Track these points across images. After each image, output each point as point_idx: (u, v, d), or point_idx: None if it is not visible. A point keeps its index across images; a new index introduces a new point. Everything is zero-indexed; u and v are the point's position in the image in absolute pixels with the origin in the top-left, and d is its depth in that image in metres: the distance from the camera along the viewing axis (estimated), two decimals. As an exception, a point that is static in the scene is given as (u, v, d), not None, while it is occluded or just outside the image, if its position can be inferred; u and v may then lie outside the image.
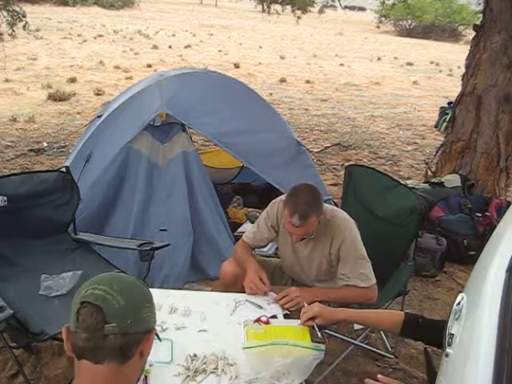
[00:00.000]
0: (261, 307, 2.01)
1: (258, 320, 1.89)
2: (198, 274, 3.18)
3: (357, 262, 2.12)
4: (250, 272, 2.14)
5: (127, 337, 1.03)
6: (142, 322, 1.06)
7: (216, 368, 1.62)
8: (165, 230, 3.08)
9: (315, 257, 2.22)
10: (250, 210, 3.91)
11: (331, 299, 2.20)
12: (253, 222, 3.69)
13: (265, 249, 2.86)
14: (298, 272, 2.34)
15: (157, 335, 1.19)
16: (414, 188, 3.82)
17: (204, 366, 1.62)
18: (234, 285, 2.26)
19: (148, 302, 1.10)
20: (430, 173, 4.87)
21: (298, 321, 1.93)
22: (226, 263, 2.36)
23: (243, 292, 2.14)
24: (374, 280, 2.13)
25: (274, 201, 2.33)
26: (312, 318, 1.81)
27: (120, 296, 1.03)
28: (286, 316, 2.01)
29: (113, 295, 1.03)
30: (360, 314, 1.84)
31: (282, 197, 2.25)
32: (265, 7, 9.57)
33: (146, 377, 1.53)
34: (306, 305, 1.92)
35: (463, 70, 4.58)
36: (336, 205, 3.83)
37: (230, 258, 2.41)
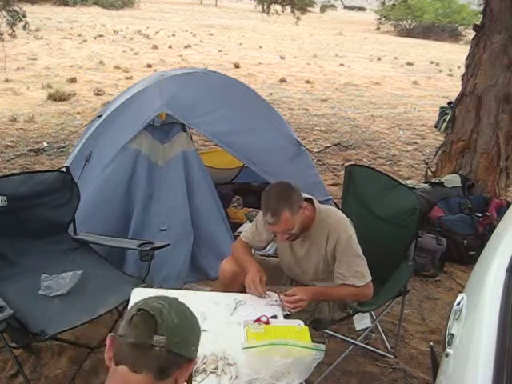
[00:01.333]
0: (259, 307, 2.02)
1: (257, 320, 1.89)
2: (198, 274, 3.18)
3: (352, 261, 2.13)
4: (252, 271, 2.14)
5: (171, 355, 1.03)
6: (187, 348, 1.06)
7: (216, 368, 1.62)
8: (165, 229, 3.08)
9: (312, 256, 2.22)
10: (249, 209, 3.91)
11: (330, 298, 2.20)
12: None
13: (265, 249, 2.86)
14: (297, 272, 2.34)
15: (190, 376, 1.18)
16: (414, 188, 3.81)
17: (204, 366, 1.63)
18: (233, 283, 2.27)
19: (197, 334, 1.11)
20: (430, 173, 4.87)
21: (298, 321, 1.94)
22: (225, 262, 2.36)
23: (242, 291, 2.15)
24: (369, 277, 2.14)
25: None
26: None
27: (175, 315, 1.06)
28: (285, 316, 2.01)
29: (169, 311, 1.05)
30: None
31: None
32: (265, 7, 9.56)
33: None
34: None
35: (463, 69, 4.58)
36: (336, 205, 3.84)
37: (228, 257, 2.41)
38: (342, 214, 2.24)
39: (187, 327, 1.08)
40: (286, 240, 2.15)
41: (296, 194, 2.07)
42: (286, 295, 2.06)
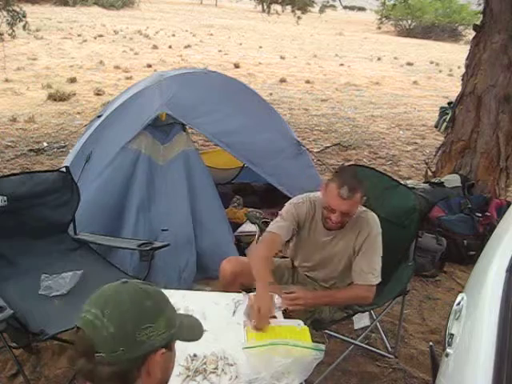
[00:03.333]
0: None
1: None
2: (199, 274, 3.18)
3: (373, 259, 2.18)
4: (265, 298, 1.94)
5: (122, 364, 0.97)
6: (137, 347, 0.99)
7: (216, 368, 1.62)
8: (166, 230, 3.07)
9: (339, 251, 2.25)
10: (249, 210, 3.90)
11: (330, 302, 2.21)
12: (253, 222, 3.69)
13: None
14: (315, 267, 2.35)
15: (189, 339, 1.13)
16: (413, 188, 3.81)
17: (204, 366, 1.63)
18: (233, 283, 2.27)
19: (149, 321, 1.01)
20: (429, 173, 4.87)
21: (299, 321, 1.94)
22: (225, 262, 2.36)
23: (242, 291, 2.14)
24: (379, 278, 2.19)
25: (297, 201, 2.31)
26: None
27: (110, 322, 0.97)
28: (286, 316, 2.01)
29: (102, 321, 0.97)
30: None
31: (310, 196, 2.31)
32: (265, 7, 9.56)
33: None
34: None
35: (463, 70, 4.58)
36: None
37: (229, 257, 2.41)
38: (375, 215, 2.27)
39: (128, 328, 0.98)
40: (335, 225, 2.13)
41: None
42: (285, 292, 2.06)
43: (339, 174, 2.14)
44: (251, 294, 2.02)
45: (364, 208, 2.27)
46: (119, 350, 0.97)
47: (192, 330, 1.17)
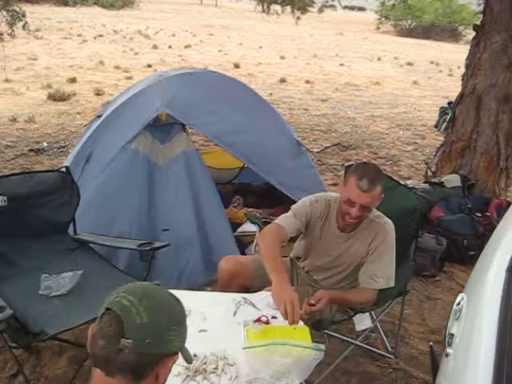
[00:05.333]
0: (258, 309, 2.00)
1: (258, 320, 1.89)
2: (199, 274, 3.17)
3: (387, 261, 2.18)
4: (287, 288, 1.91)
5: (143, 356, 0.99)
6: (162, 345, 1.01)
7: (216, 368, 1.62)
8: (167, 229, 3.07)
9: (351, 253, 2.24)
10: (249, 209, 3.91)
11: (341, 303, 2.21)
12: (253, 222, 3.68)
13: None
14: (323, 269, 2.34)
15: (186, 357, 1.13)
16: (413, 188, 3.81)
17: (204, 366, 1.62)
18: (231, 282, 2.27)
19: (176, 325, 1.04)
20: (429, 173, 4.87)
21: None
22: (223, 261, 2.36)
23: (240, 291, 2.15)
24: (392, 283, 2.19)
25: (315, 199, 2.27)
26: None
27: (146, 312, 0.99)
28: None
29: (138, 309, 0.99)
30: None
31: (327, 196, 2.30)
32: (265, 7, 9.56)
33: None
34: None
35: (463, 69, 4.58)
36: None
37: (227, 256, 2.41)
38: (390, 221, 2.26)
39: (162, 324, 1.02)
40: (354, 220, 2.11)
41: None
42: (309, 304, 1.99)
43: (359, 167, 2.15)
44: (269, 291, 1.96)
45: (380, 213, 2.26)
46: (146, 341, 0.98)
47: (187, 351, 1.17)
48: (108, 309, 1.00)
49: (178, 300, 1.09)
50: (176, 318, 1.06)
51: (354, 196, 2.05)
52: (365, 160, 5.85)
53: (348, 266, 2.29)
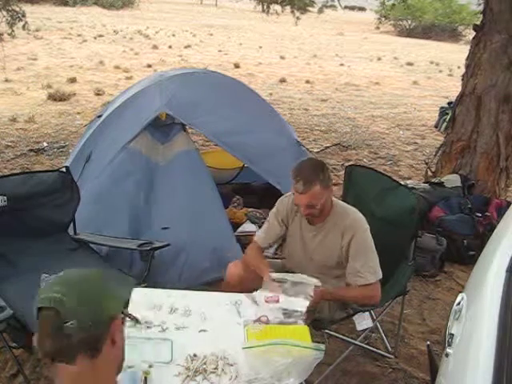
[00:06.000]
0: (257, 304, 2.01)
1: (257, 320, 1.89)
2: (201, 275, 3.17)
3: (367, 256, 2.16)
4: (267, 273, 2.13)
5: (90, 331, 1.03)
6: (102, 312, 1.06)
7: (216, 368, 1.62)
8: (167, 228, 3.07)
9: (324, 249, 2.23)
10: (249, 210, 3.90)
11: (339, 299, 2.20)
12: (253, 222, 3.69)
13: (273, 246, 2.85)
14: (307, 268, 2.33)
15: (129, 316, 1.20)
16: (413, 188, 3.82)
17: (204, 365, 1.62)
18: (240, 286, 2.27)
19: (105, 291, 1.10)
20: (430, 173, 4.87)
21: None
22: (232, 265, 2.38)
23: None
24: (380, 274, 2.17)
25: (283, 197, 2.38)
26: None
27: (72, 293, 1.04)
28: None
29: (65, 294, 1.04)
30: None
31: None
32: (264, 7, 9.55)
33: (145, 378, 1.53)
34: None
35: (463, 70, 4.58)
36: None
37: (236, 260, 2.43)
38: (359, 212, 2.26)
39: (91, 295, 1.07)
40: (307, 215, 2.16)
41: (328, 172, 2.14)
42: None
43: (295, 167, 2.14)
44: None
45: (348, 207, 2.26)
46: (87, 316, 1.03)
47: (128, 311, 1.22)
48: (39, 309, 1.04)
49: (97, 271, 1.17)
50: (101, 286, 1.11)
51: (295, 198, 2.12)
52: (352, 162, 5.85)
53: (322, 264, 2.26)
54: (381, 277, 2.17)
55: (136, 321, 1.22)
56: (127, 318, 1.18)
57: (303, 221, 2.28)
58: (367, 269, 2.15)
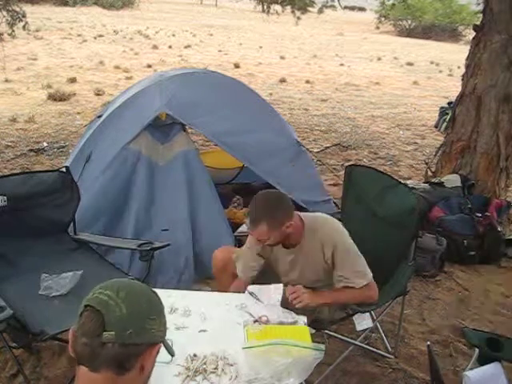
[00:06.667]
0: (260, 300, 2.01)
1: (257, 320, 1.89)
2: (197, 274, 3.18)
3: (353, 263, 2.11)
4: None
5: (126, 347, 0.99)
6: (145, 334, 1.02)
7: (216, 368, 1.62)
8: (166, 229, 3.07)
9: (310, 266, 2.18)
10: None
11: (335, 302, 2.19)
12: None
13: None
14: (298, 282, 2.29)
15: (168, 349, 1.15)
16: (413, 188, 3.81)
17: (204, 366, 1.62)
18: (224, 270, 2.31)
19: (155, 314, 1.06)
20: (430, 173, 4.87)
21: (303, 317, 1.93)
22: (218, 250, 2.41)
23: (233, 279, 2.23)
24: (370, 274, 2.12)
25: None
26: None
27: (124, 304, 1.01)
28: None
29: (116, 302, 1.00)
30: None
31: None
32: (265, 7, 9.55)
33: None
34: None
35: (463, 70, 4.58)
36: (336, 205, 3.84)
37: (222, 247, 2.45)
38: (327, 216, 2.21)
39: (141, 313, 1.03)
40: (268, 246, 2.13)
41: (282, 210, 2.03)
42: (287, 295, 2.03)
43: (252, 200, 2.05)
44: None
45: (317, 218, 2.19)
46: (128, 332, 0.99)
47: (168, 343, 1.19)
48: (86, 306, 1.02)
49: (153, 291, 1.12)
50: (154, 308, 1.08)
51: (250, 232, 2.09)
52: (352, 163, 5.84)
53: (314, 278, 2.19)
54: (371, 276, 2.12)
55: (171, 353, 1.18)
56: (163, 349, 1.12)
57: (278, 248, 2.20)
58: (356, 274, 2.10)
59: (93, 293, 1.03)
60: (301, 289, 2.05)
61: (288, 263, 2.23)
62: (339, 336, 2.37)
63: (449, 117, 5.90)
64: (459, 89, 4.62)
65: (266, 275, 2.25)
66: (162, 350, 1.62)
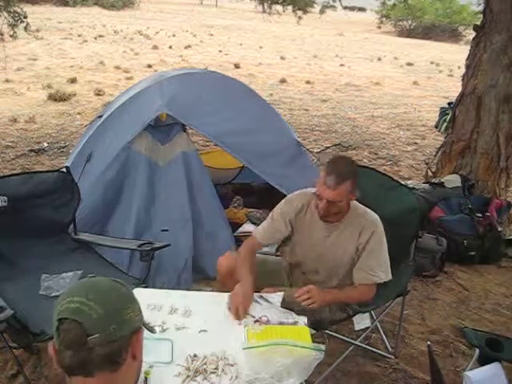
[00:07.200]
0: (270, 302, 2.01)
1: (258, 320, 1.89)
2: (199, 274, 3.18)
3: (382, 254, 2.17)
4: (240, 294, 1.97)
5: (114, 343, 1.00)
6: (126, 325, 1.02)
7: (216, 368, 1.62)
8: (166, 230, 3.08)
9: (339, 247, 2.20)
10: (250, 210, 3.91)
11: (339, 301, 2.20)
12: (253, 222, 3.69)
13: (266, 248, 2.84)
14: (315, 267, 2.31)
15: (150, 329, 1.16)
16: (414, 188, 3.82)
17: (204, 366, 1.62)
18: (229, 279, 2.27)
19: (129, 302, 1.07)
20: (430, 173, 4.87)
21: (304, 318, 1.94)
22: (222, 257, 2.39)
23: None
24: (389, 275, 2.18)
25: (290, 196, 2.33)
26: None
27: (96, 305, 1.00)
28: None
29: (89, 305, 0.99)
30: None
31: (304, 190, 2.29)
32: (265, 7, 9.57)
33: (146, 378, 1.53)
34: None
35: (463, 70, 4.58)
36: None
37: (226, 253, 2.43)
38: (378, 216, 2.25)
39: (116, 307, 1.03)
40: (323, 213, 2.10)
41: (357, 173, 2.10)
42: (296, 296, 2.04)
43: (330, 161, 2.09)
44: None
45: (367, 209, 2.24)
46: (111, 328, 0.99)
47: (147, 324, 1.20)
48: (60, 319, 0.99)
49: (117, 280, 1.11)
50: (125, 297, 1.07)
51: (321, 191, 2.06)
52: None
53: (338, 267, 2.23)
54: (390, 276, 2.18)
55: (152, 331, 1.17)
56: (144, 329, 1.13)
57: (313, 220, 2.22)
58: (380, 268, 2.15)
59: (61, 304, 1.01)
60: (313, 289, 2.05)
61: (317, 239, 2.23)
62: (339, 336, 2.37)
63: (449, 117, 5.91)
64: (459, 89, 4.62)
65: (266, 276, 2.25)
66: (162, 350, 1.62)
